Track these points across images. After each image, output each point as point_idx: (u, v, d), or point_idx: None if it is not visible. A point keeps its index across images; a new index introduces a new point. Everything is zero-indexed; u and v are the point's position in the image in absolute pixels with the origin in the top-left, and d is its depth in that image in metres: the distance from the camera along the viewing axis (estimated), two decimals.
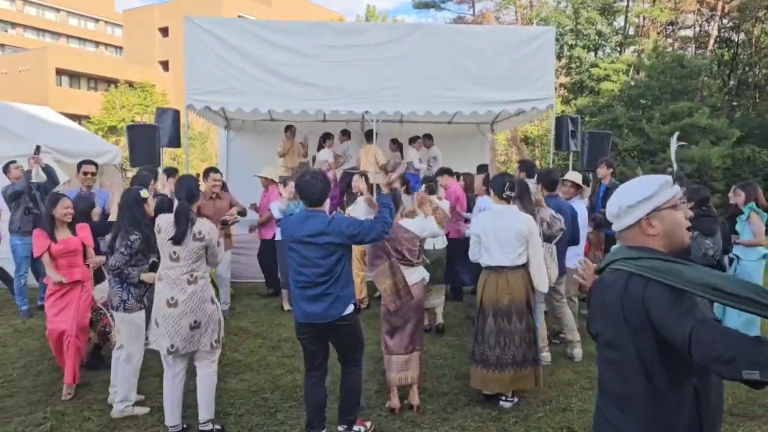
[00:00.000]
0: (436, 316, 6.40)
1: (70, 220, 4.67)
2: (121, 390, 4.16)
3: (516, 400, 4.45)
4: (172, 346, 3.72)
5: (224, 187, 7.26)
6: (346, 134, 10.28)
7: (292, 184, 7.21)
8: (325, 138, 9.82)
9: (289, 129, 10.00)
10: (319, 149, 9.76)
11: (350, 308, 3.60)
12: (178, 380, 3.90)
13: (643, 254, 1.82)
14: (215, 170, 6.89)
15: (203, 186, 6.85)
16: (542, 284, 4.44)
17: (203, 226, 3.79)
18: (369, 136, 9.39)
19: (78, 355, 4.62)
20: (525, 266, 4.41)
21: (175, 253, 3.74)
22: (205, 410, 3.88)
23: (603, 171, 7.19)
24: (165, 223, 3.78)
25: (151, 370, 4.86)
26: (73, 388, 4.57)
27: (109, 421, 4.11)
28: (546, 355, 5.33)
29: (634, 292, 1.77)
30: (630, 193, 1.91)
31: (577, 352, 5.49)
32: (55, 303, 4.59)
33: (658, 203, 1.86)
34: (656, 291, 1.71)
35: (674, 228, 1.87)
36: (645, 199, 1.87)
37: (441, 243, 6.33)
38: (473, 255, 4.56)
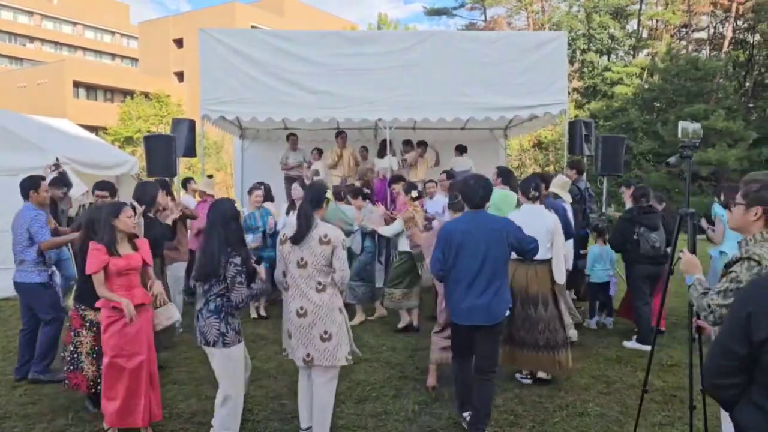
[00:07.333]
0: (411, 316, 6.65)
1: (134, 231, 4.07)
2: None
3: (532, 380, 4.95)
4: (308, 355, 3.65)
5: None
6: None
7: (257, 192, 7.19)
8: (384, 146, 9.86)
9: (340, 135, 9.91)
10: (380, 156, 9.72)
11: (505, 314, 3.88)
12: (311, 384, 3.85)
13: None
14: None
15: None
16: (560, 277, 4.87)
17: (328, 230, 3.67)
18: (423, 144, 9.71)
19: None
20: (551, 260, 4.84)
21: (302, 259, 3.64)
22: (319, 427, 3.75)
23: (570, 173, 7.65)
24: (289, 229, 3.77)
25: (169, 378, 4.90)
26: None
27: (136, 431, 4.16)
28: (573, 332, 5.87)
29: None
30: None
31: (573, 332, 5.86)
32: (123, 331, 3.80)
33: None
34: None
35: None
36: None
37: (406, 245, 6.43)
38: None
